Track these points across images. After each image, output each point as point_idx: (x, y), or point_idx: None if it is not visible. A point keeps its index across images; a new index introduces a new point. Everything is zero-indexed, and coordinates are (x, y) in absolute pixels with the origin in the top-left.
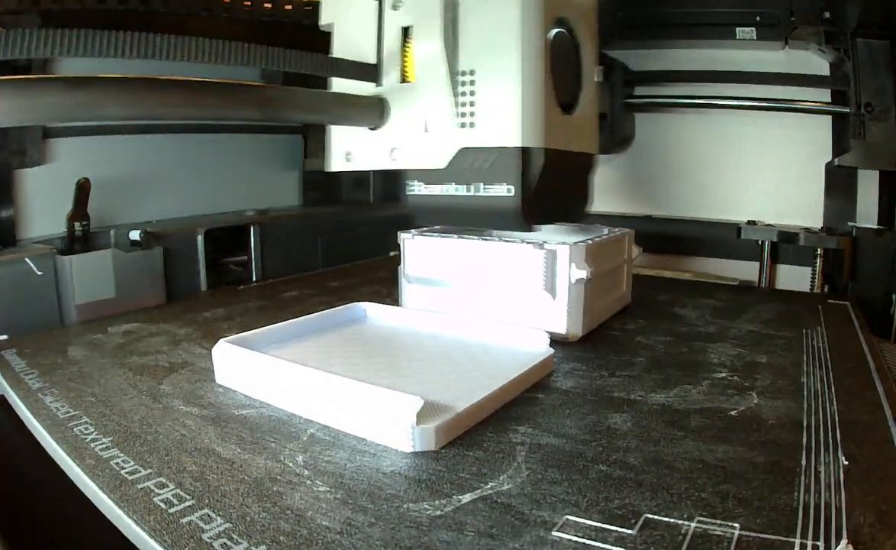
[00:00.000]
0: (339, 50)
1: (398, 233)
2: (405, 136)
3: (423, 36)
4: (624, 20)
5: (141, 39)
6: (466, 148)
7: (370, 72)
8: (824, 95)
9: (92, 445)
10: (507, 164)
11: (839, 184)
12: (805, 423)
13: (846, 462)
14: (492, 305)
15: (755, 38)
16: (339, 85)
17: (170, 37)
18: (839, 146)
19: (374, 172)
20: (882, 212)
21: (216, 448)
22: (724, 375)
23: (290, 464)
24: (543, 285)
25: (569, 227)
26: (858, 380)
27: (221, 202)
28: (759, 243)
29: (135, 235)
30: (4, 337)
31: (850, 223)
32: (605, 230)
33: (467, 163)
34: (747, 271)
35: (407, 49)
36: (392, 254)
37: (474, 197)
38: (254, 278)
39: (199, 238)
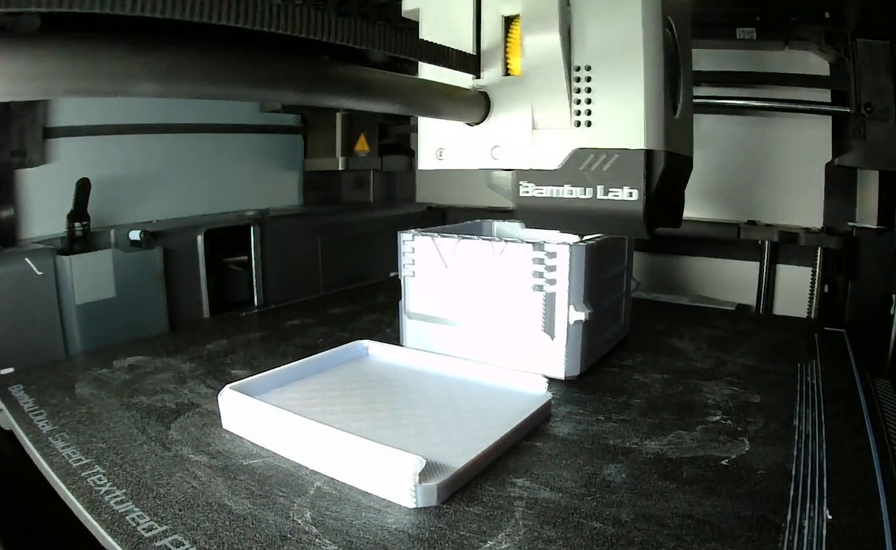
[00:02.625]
0: (428, 38)
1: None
2: (509, 133)
3: (535, 27)
4: None
5: None
6: (582, 148)
7: (472, 62)
8: (824, 95)
9: (106, 498)
10: (629, 166)
11: (839, 184)
12: (794, 472)
13: (830, 517)
14: (491, 343)
15: (755, 38)
16: (427, 75)
17: None
18: (839, 146)
19: (374, 172)
20: (882, 212)
21: (227, 503)
22: (717, 418)
23: (300, 521)
24: (542, 326)
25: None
26: (849, 422)
27: (221, 202)
28: (759, 242)
29: (135, 235)
30: (10, 370)
31: (850, 223)
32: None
33: (583, 164)
34: (747, 271)
35: (510, 40)
36: (392, 274)
37: (594, 200)
38: (254, 277)
39: (200, 238)
